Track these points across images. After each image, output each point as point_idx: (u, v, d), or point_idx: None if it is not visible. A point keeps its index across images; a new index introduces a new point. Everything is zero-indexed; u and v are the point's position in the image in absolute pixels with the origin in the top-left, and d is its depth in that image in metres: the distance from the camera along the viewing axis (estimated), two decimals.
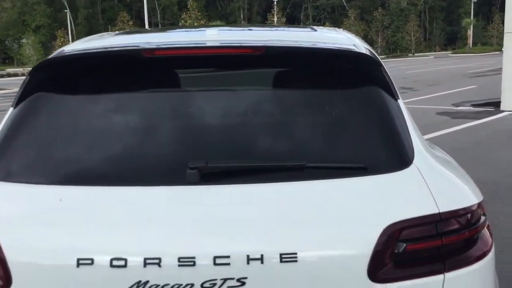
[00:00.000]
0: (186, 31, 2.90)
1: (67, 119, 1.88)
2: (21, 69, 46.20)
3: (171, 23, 66.09)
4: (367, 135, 1.81)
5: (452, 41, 76.28)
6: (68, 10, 58.89)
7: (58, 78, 1.94)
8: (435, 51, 69.66)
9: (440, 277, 1.62)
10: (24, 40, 51.44)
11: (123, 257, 1.53)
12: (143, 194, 1.65)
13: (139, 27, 48.46)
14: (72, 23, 61.45)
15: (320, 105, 1.90)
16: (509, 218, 4.83)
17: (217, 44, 1.93)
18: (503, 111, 11.57)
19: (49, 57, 2.02)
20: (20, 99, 1.90)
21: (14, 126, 1.85)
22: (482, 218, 1.77)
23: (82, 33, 67.41)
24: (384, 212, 1.62)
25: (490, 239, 1.81)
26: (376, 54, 2.14)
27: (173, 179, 1.65)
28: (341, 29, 2.95)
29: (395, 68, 33.52)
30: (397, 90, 1.97)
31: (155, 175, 1.70)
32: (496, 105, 12.26)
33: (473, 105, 12.81)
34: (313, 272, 1.55)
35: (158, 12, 70.32)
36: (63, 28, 54.02)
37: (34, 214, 1.65)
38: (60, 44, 48.74)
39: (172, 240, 1.56)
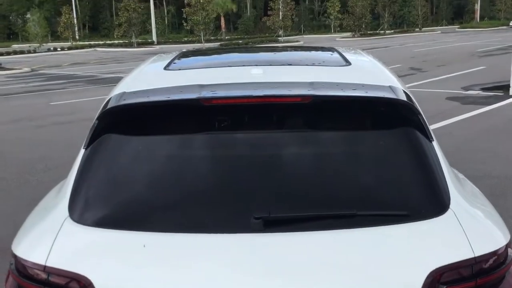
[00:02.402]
0: (232, 62, 2.99)
1: (134, 163, 2.06)
2: (28, 45, 46.16)
3: None
4: (408, 182, 1.99)
5: (459, 15, 75.54)
6: None
7: (122, 123, 2.12)
8: (442, 26, 69.04)
9: None
10: (28, 16, 51.18)
11: None
12: (214, 241, 1.83)
13: (145, 1, 48.08)
14: None
15: (362, 152, 2.09)
16: None
17: (271, 92, 2.08)
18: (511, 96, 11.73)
19: (111, 105, 2.15)
20: (90, 141, 2.09)
21: (87, 170, 2.03)
22: (510, 255, 1.96)
23: (86, 8, 67.25)
24: (427, 258, 1.80)
25: None
26: (410, 95, 2.30)
27: (240, 227, 1.84)
28: (363, 52, 3.11)
29: (403, 45, 33.30)
30: (431, 132, 2.14)
31: (224, 223, 1.87)
32: (505, 88, 12.43)
33: (482, 89, 12.92)
34: None
35: None
36: (67, 5, 53.79)
37: (122, 258, 1.83)
38: (65, 20, 48.74)
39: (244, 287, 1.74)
